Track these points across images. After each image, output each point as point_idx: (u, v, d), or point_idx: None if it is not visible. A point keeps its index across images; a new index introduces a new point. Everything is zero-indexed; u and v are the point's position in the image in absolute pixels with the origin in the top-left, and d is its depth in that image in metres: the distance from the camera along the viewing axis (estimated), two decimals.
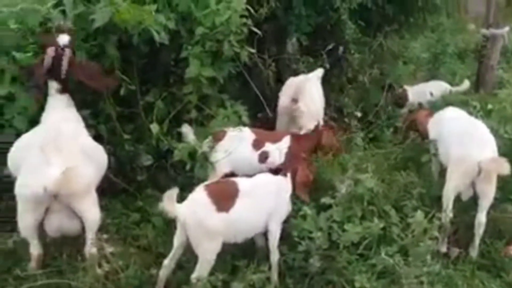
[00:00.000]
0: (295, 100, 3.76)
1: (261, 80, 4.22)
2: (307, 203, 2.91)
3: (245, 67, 3.88)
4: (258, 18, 3.75)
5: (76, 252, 2.78)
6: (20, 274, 2.54)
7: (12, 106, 3.04)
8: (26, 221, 2.58)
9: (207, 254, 2.53)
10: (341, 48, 4.62)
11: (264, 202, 2.72)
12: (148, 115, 3.64)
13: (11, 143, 2.80)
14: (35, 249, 2.64)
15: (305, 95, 3.81)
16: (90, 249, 2.68)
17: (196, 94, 3.52)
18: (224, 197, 2.59)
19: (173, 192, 2.51)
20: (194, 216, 2.51)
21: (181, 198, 3.39)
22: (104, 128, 3.47)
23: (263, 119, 4.21)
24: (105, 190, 3.14)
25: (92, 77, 3.00)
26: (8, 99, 3.08)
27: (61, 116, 2.88)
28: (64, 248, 2.82)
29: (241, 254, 2.80)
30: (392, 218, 2.95)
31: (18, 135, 2.97)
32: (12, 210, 2.63)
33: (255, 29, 3.57)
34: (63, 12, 3.30)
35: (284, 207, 2.81)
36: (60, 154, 2.61)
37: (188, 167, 3.34)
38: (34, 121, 3.02)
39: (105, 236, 2.96)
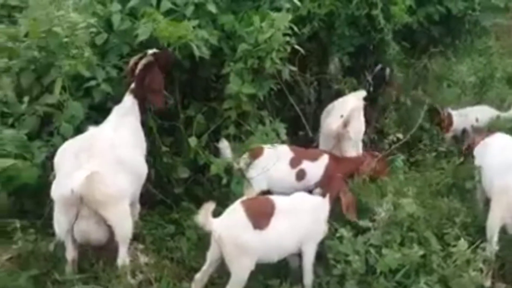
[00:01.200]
0: (345, 124, 3.71)
1: (301, 99, 4.21)
2: (354, 221, 2.83)
3: (286, 85, 3.90)
4: (301, 37, 3.76)
5: (113, 260, 2.82)
6: (58, 278, 2.60)
7: (61, 115, 3.17)
8: (60, 224, 2.65)
9: (240, 271, 2.50)
10: (388, 70, 4.55)
11: (300, 221, 2.67)
12: (187, 128, 3.71)
13: None
14: (70, 254, 2.71)
15: (356, 120, 3.76)
16: (122, 260, 2.71)
17: (236, 110, 3.55)
18: (261, 214, 2.57)
19: (210, 206, 2.51)
20: (230, 231, 2.50)
21: (216, 213, 3.45)
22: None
23: (303, 138, 4.18)
24: (144, 201, 3.22)
25: (157, 90, 3.17)
26: (57, 108, 3.23)
27: (112, 123, 2.99)
28: (101, 255, 2.87)
29: (274, 274, 2.75)
30: (432, 246, 2.82)
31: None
32: None
33: (298, 47, 3.57)
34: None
35: (320, 228, 2.76)
36: (93, 160, 2.67)
37: (224, 182, 3.37)
38: (80, 129, 3.15)
39: (140, 246, 2.99)
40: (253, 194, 3.16)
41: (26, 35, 3.20)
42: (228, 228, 2.51)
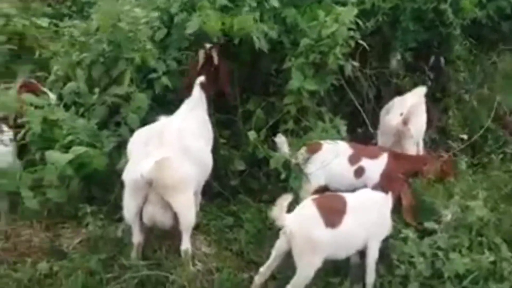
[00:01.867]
0: (405, 122, 3.60)
1: (360, 95, 4.12)
2: (414, 226, 2.75)
3: (345, 80, 3.83)
4: (364, 31, 3.67)
5: (175, 248, 2.90)
6: (125, 263, 2.70)
7: (128, 106, 3.29)
8: (129, 207, 2.75)
9: (308, 268, 2.50)
10: (442, 60, 4.36)
11: (368, 218, 2.63)
12: (245, 122, 3.74)
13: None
14: (136, 238, 2.80)
15: (417, 117, 3.65)
16: (185, 247, 2.77)
17: (295, 106, 3.53)
18: (333, 212, 2.56)
19: (285, 200, 2.52)
20: (302, 228, 2.50)
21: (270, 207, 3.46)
22: None
23: (361, 135, 4.09)
24: (203, 192, 3.29)
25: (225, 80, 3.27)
26: (124, 99, 3.35)
27: (181, 115, 3.08)
28: (163, 242, 2.95)
29: (334, 271, 2.73)
30: (502, 253, 2.69)
31: (132, 132, 3.23)
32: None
33: (362, 42, 3.50)
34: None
35: (386, 225, 2.70)
36: (161, 148, 2.76)
37: (282, 176, 3.37)
38: (146, 120, 3.26)
39: (201, 236, 3.06)
40: (311, 190, 3.13)
41: (97, 29, 3.33)
42: (300, 224, 2.51)
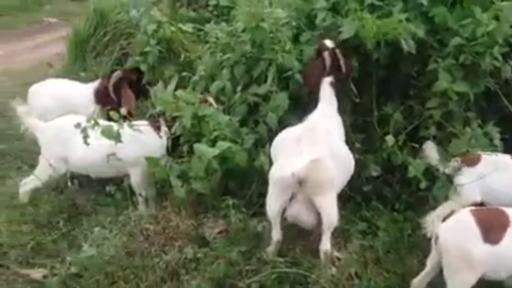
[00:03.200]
0: None
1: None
2: None
3: (497, 84, 3.46)
4: None
5: (309, 248, 2.89)
6: (264, 257, 2.76)
7: (267, 105, 3.38)
8: (272, 204, 2.80)
9: (460, 284, 2.31)
10: None
11: None
12: (381, 126, 3.59)
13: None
14: (275, 235, 2.84)
15: None
16: (325, 248, 2.74)
17: (440, 110, 3.30)
18: (494, 227, 2.33)
19: (445, 210, 2.36)
20: (457, 241, 2.32)
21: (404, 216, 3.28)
22: None
23: None
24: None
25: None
26: (263, 98, 3.46)
27: (323, 114, 3.10)
28: (298, 241, 2.96)
29: None
30: None
31: (270, 130, 3.31)
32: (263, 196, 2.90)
33: None
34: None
35: None
36: (313, 146, 2.77)
37: (423, 185, 3.17)
38: (284, 119, 3.31)
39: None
40: (463, 204, 2.87)
41: (242, 31, 3.49)
42: (455, 237, 2.33)
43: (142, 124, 3.30)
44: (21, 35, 10.20)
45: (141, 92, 4.20)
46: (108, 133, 3.06)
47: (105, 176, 3.49)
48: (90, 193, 3.51)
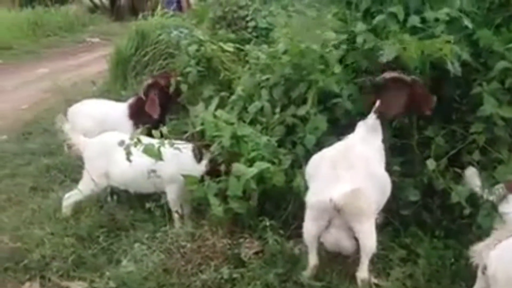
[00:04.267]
0: None
1: None
2: None
3: None
4: None
5: (345, 272, 2.84)
6: (301, 281, 2.73)
7: (305, 126, 3.38)
8: (309, 228, 2.78)
9: None
10: None
11: None
12: (421, 150, 3.52)
13: None
14: (312, 259, 2.81)
15: None
16: (363, 275, 2.68)
17: (485, 135, 3.20)
18: None
19: (496, 240, 2.28)
20: (507, 270, 2.21)
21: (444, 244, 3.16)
22: None
23: None
24: None
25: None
26: (301, 119, 3.46)
27: (361, 137, 3.06)
28: (334, 266, 2.91)
29: None
30: None
31: (307, 152, 3.30)
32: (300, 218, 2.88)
33: None
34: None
35: None
36: (350, 171, 2.75)
37: (466, 212, 3.06)
38: (321, 141, 3.30)
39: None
40: (507, 233, 2.75)
41: (284, 53, 3.52)
42: (506, 267, 2.23)
43: (182, 144, 3.37)
44: (66, 54, 10.75)
45: (168, 99, 4.32)
46: (150, 151, 3.14)
47: (144, 191, 3.56)
48: (129, 208, 3.58)
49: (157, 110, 4.19)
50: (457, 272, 2.91)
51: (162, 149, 3.20)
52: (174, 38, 5.58)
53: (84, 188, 3.58)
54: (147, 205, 3.32)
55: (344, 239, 2.66)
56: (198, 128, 3.28)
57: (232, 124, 3.25)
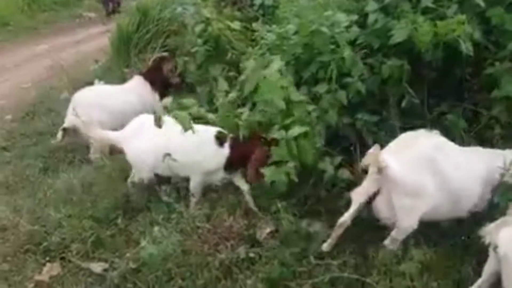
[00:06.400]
0: None
1: None
2: None
3: None
4: None
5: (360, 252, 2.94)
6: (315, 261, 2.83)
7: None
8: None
9: None
10: None
11: None
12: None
13: None
14: (347, 217, 2.84)
15: None
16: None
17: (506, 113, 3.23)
18: None
19: (505, 221, 2.33)
20: None
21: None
22: (384, 136, 3.54)
23: None
24: None
25: None
26: (312, 99, 3.44)
27: None
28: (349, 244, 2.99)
29: None
30: None
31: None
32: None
33: None
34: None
35: None
36: None
37: None
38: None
39: None
40: None
41: (295, 33, 3.49)
42: None
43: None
44: (64, 30, 10.55)
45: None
46: (182, 119, 3.08)
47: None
48: (143, 190, 3.62)
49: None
50: (468, 248, 2.97)
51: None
52: (179, 14, 5.47)
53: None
54: (163, 187, 3.36)
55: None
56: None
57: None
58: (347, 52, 3.28)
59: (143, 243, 2.98)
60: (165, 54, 4.98)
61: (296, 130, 3.04)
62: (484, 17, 3.34)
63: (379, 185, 2.73)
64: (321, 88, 3.33)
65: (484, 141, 3.25)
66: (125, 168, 3.69)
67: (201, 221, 3.15)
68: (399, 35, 3.24)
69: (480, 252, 2.63)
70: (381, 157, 2.64)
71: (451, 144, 2.95)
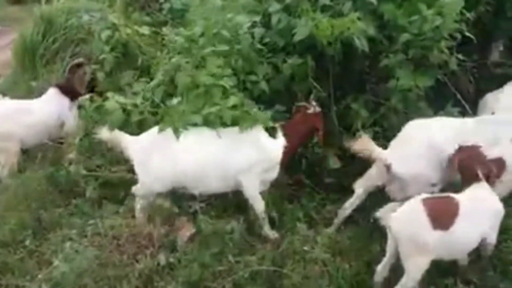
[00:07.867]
0: None
1: (459, 89, 3.94)
2: None
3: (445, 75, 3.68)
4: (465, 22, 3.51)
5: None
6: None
7: None
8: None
9: (415, 270, 2.47)
10: None
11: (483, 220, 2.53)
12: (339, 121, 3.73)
13: None
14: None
15: None
16: None
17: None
18: (443, 215, 2.47)
19: (396, 205, 2.50)
20: (407, 229, 2.47)
21: None
22: None
23: None
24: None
25: None
26: None
27: None
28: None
29: (448, 271, 2.66)
30: None
31: None
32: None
33: (470, 35, 3.35)
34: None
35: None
36: None
37: None
38: None
39: None
40: None
41: (201, 35, 3.50)
42: (405, 226, 2.48)
43: None
44: None
45: None
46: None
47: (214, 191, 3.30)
48: (53, 207, 3.42)
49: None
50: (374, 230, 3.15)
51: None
52: (86, 22, 5.25)
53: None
54: (73, 201, 3.20)
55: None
56: None
57: None
58: (251, 54, 3.33)
59: (56, 262, 2.81)
60: (80, 60, 4.62)
61: None
62: (377, 13, 3.57)
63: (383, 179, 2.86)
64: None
65: (386, 130, 3.46)
66: (30, 185, 3.46)
67: (118, 231, 3.03)
68: (301, 32, 3.37)
69: (386, 233, 2.81)
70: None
71: None
